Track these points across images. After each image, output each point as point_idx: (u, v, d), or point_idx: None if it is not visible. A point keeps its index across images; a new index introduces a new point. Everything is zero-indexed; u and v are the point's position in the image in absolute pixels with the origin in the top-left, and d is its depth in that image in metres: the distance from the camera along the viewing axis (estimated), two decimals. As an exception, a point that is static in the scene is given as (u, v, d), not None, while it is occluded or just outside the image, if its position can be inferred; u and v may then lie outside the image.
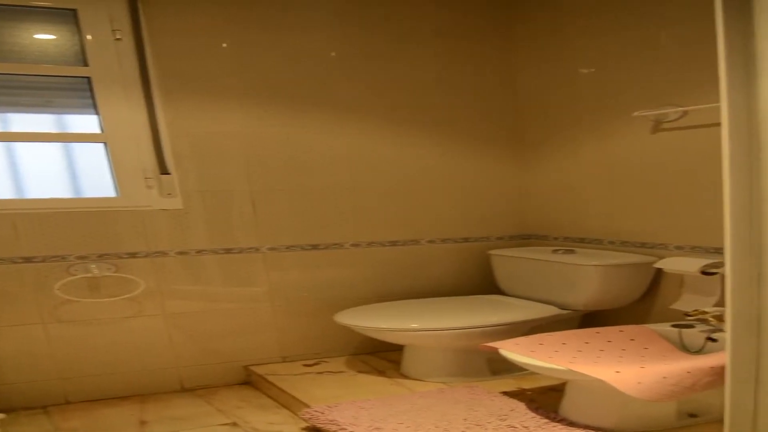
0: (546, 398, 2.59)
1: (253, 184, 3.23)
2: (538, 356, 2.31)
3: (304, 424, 2.55)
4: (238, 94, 3.19)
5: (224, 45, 3.16)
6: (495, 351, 2.47)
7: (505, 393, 2.67)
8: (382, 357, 3.32)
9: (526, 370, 2.62)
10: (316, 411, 2.51)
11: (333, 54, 3.35)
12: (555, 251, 3.29)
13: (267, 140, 3.25)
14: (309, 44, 3.30)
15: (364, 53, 3.40)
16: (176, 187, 3.09)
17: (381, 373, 3.08)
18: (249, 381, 3.18)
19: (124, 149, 3.05)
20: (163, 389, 3.07)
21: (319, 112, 3.33)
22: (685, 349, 2.53)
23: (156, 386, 3.06)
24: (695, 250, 2.82)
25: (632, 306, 3.10)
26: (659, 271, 2.92)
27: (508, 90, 3.70)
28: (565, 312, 3.07)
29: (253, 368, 3.17)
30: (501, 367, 2.91)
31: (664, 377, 2.05)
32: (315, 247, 3.35)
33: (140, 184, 3.06)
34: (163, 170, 3.07)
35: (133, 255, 3.03)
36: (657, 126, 2.94)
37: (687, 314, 2.61)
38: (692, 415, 2.29)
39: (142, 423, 2.66)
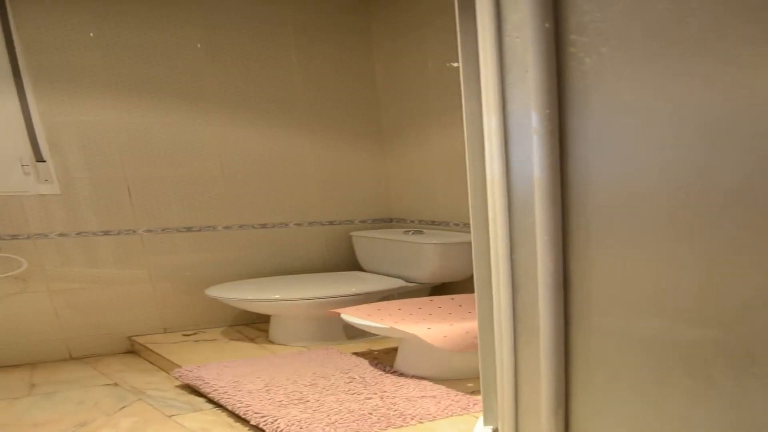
0: (388, 357, 3.04)
1: (128, 170, 3.51)
2: (372, 319, 2.76)
3: (177, 383, 2.93)
4: (109, 85, 3.44)
5: (91, 35, 3.37)
6: (337, 315, 2.91)
7: (356, 353, 3.12)
8: (255, 327, 3.72)
9: (376, 335, 3.10)
10: (185, 370, 2.89)
11: (199, 46, 3.63)
12: (406, 232, 3.76)
13: (139, 129, 3.53)
14: (176, 38, 3.57)
15: (230, 49, 3.71)
16: (53, 173, 3.36)
17: (251, 340, 3.47)
18: (132, 350, 3.53)
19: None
20: (52, 358, 3.37)
21: (188, 103, 3.62)
22: (502, 312, 3.03)
23: (45, 355, 3.36)
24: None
25: (472, 278, 3.60)
26: (489, 247, 3.42)
27: (367, 84, 4.11)
28: (411, 284, 3.53)
29: (135, 338, 3.51)
30: (356, 332, 3.37)
31: (467, 332, 2.53)
32: (189, 229, 3.69)
33: (17, 170, 3.31)
34: (39, 158, 3.34)
35: (14, 236, 3.29)
36: None
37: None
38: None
39: (32, 386, 2.97)
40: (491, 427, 1.86)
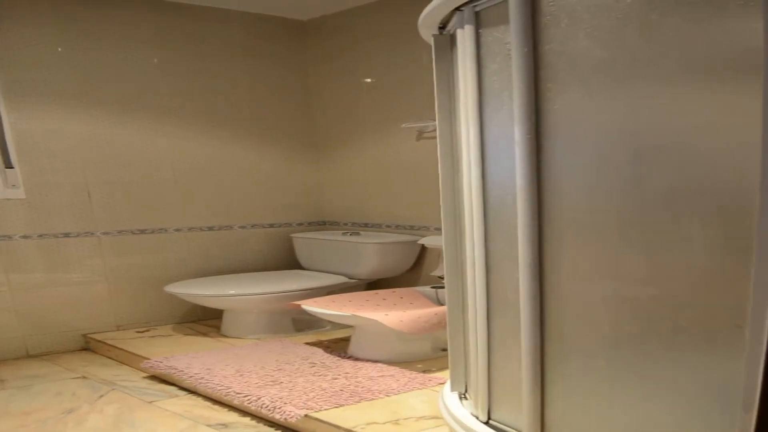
0: (338, 345, 3.36)
1: (88, 176, 3.70)
2: (333, 308, 3.07)
3: (144, 375, 3.15)
4: (73, 97, 3.63)
5: (59, 49, 3.57)
6: (298, 308, 3.21)
7: (308, 343, 3.41)
8: (204, 324, 3.96)
9: (323, 327, 3.42)
10: (156, 361, 3.11)
11: (155, 60, 3.87)
12: (344, 233, 4.09)
13: (99, 138, 3.72)
14: (134, 56, 3.80)
15: (183, 66, 3.96)
16: (19, 179, 3.51)
17: (204, 335, 3.71)
18: (87, 347, 3.69)
19: (-33, 146, 3.43)
20: (11, 356, 3.50)
21: (143, 115, 3.85)
22: (440, 303, 3.40)
23: (4, 353, 3.49)
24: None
25: (405, 274, 3.97)
26: (423, 246, 3.80)
27: (303, 100, 4.44)
28: (352, 281, 3.86)
29: (91, 336, 3.68)
30: (303, 325, 3.67)
31: (419, 317, 2.89)
32: (143, 231, 3.89)
33: (-15, 176, 3.46)
34: (8, 164, 3.49)
35: (-21, 239, 3.43)
36: (420, 135, 3.81)
37: (441, 278, 3.49)
38: (443, 350, 3.15)
39: (1, 381, 3.12)
40: (458, 391, 2.22)
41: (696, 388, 1.41)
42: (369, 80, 4.08)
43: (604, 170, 1.54)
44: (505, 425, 1.89)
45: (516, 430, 1.83)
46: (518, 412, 1.79)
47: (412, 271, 3.97)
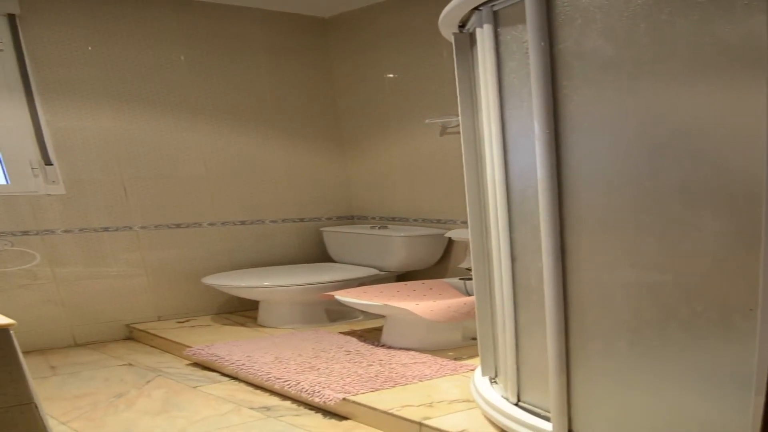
0: (371, 334, 3.50)
1: (123, 172, 3.85)
2: (366, 298, 3.21)
3: (187, 362, 3.31)
4: (106, 95, 3.77)
5: (90, 48, 3.71)
6: (332, 298, 3.35)
7: (342, 333, 3.55)
8: (241, 314, 4.12)
9: (356, 317, 3.56)
10: (198, 349, 3.27)
11: (182, 58, 4.00)
12: (372, 227, 4.22)
13: (133, 135, 3.87)
14: (161, 53, 3.93)
15: (208, 62, 4.09)
16: (59, 175, 3.68)
17: (242, 325, 3.87)
18: (131, 337, 3.86)
19: (12, 145, 3.60)
20: (60, 345, 3.68)
21: (174, 111, 3.99)
22: (468, 294, 3.53)
23: (53, 342, 3.67)
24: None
25: (433, 267, 4.09)
26: (450, 239, 3.92)
27: (328, 96, 4.56)
28: (383, 273, 3.99)
29: (134, 326, 3.85)
30: (336, 316, 3.82)
31: (449, 306, 3.02)
32: (178, 225, 4.05)
33: (28, 173, 3.63)
34: (47, 161, 3.66)
35: (25, 233, 3.60)
36: (443, 130, 3.92)
37: (468, 269, 3.60)
38: (473, 338, 3.27)
39: (53, 368, 3.30)
40: (488, 376, 2.35)
41: (712, 371, 1.52)
42: (392, 76, 4.19)
43: (620, 162, 1.66)
44: (534, 406, 2.01)
45: (544, 410, 1.95)
46: (546, 393, 1.91)
47: (440, 264, 4.09)
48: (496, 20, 1.99)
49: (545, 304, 1.85)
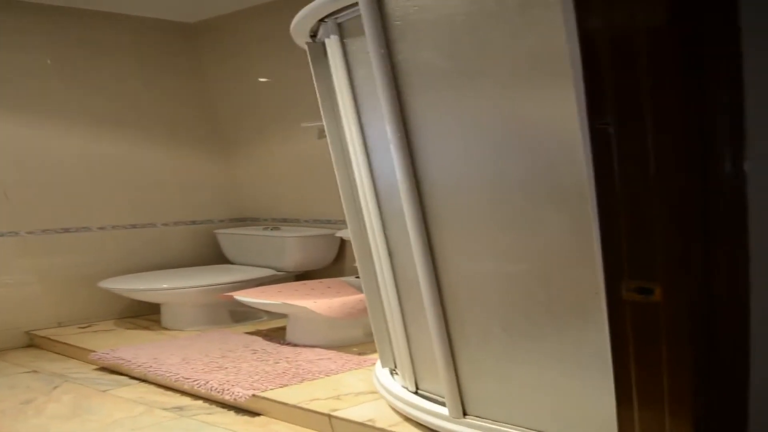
0: (276, 333, 3.64)
1: (6, 178, 3.83)
2: (264, 297, 3.34)
3: (94, 366, 3.36)
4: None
5: None
6: (231, 299, 3.47)
7: (247, 333, 3.68)
8: (144, 318, 4.17)
9: (260, 318, 3.70)
10: (103, 354, 3.33)
11: (49, 62, 4.01)
12: (265, 228, 4.36)
13: (14, 141, 3.86)
14: (28, 58, 3.93)
15: (79, 69, 4.10)
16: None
17: (146, 328, 3.93)
18: (33, 344, 3.85)
19: None
20: (-44, 353, 3.65)
21: (49, 117, 4.00)
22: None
23: (-51, 351, 3.63)
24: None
25: (330, 266, 4.26)
26: (343, 239, 4.09)
27: (206, 100, 4.64)
28: (280, 273, 4.12)
29: (34, 333, 3.85)
30: (241, 317, 3.94)
31: (345, 303, 3.20)
32: (67, 230, 4.06)
33: None
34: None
35: None
36: (321, 133, 4.01)
37: (366, 268, 3.81)
38: (371, 334, 3.48)
39: (-47, 377, 3.29)
40: (388, 368, 2.55)
41: (575, 349, 1.73)
42: (265, 80, 4.31)
43: (466, 164, 1.84)
44: (431, 393, 2.22)
45: (440, 396, 2.15)
46: (439, 380, 2.10)
47: (336, 264, 4.27)
48: (341, 31, 2.12)
49: (422, 296, 2.00)
